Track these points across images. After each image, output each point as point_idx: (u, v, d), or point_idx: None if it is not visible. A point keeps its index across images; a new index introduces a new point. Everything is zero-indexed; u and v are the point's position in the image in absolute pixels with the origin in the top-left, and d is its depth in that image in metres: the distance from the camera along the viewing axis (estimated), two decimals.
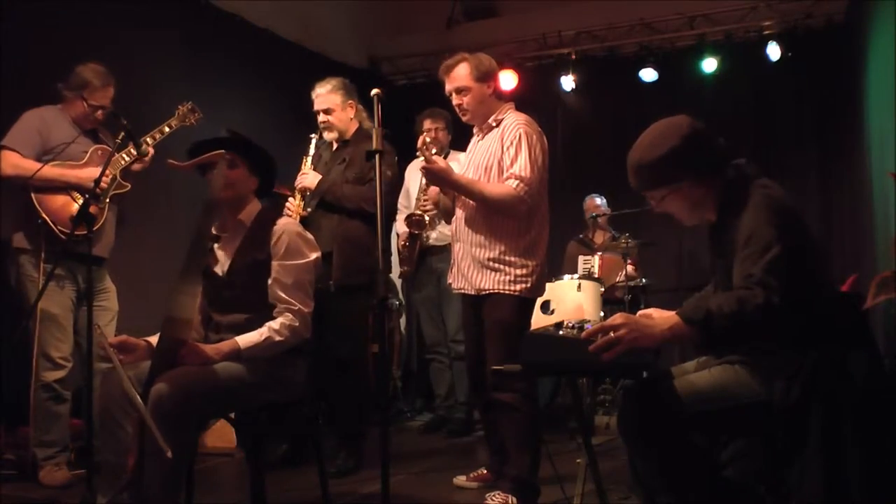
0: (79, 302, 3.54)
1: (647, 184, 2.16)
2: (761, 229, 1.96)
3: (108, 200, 3.54)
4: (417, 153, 3.12)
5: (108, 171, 3.34)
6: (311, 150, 3.86)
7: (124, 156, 3.54)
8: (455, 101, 3.25)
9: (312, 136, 3.88)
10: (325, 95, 3.82)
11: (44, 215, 3.37)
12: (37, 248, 3.41)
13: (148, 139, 3.60)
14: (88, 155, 3.56)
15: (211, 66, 5.08)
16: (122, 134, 3.23)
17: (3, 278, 3.56)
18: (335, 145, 3.91)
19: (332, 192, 3.73)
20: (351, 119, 3.86)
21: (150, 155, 3.59)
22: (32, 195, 3.37)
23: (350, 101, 3.85)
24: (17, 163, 3.36)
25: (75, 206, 3.39)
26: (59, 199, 3.42)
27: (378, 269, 3.84)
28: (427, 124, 4.68)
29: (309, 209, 3.79)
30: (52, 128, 3.48)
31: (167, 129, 3.67)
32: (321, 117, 3.83)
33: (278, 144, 3.94)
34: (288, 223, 2.73)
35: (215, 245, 2.75)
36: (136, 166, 3.61)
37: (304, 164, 3.84)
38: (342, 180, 3.75)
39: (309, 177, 3.79)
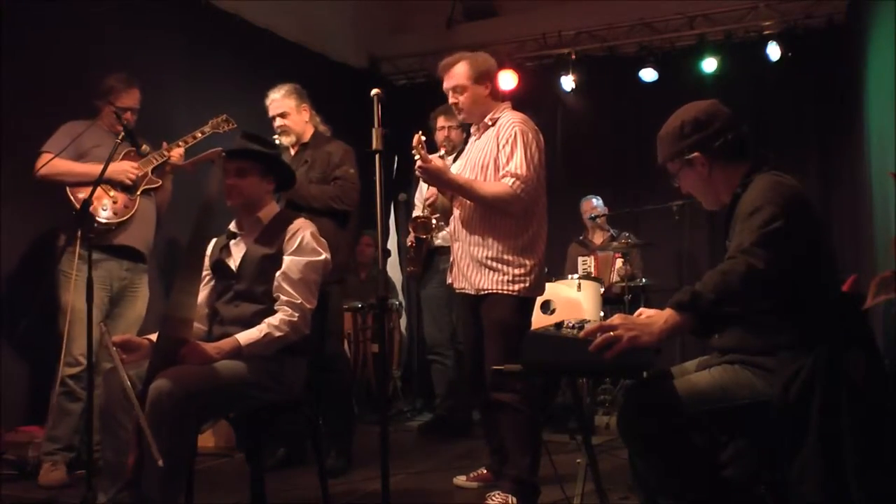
0: (111, 303, 3.71)
1: (662, 156, 2.23)
2: (765, 206, 1.95)
3: (139, 194, 3.71)
4: (413, 152, 3.12)
5: (139, 168, 3.70)
6: None
7: (156, 156, 3.76)
8: (451, 98, 3.26)
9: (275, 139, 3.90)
10: (280, 100, 3.88)
11: (78, 207, 3.51)
12: (72, 243, 3.53)
13: (180, 143, 3.81)
14: (122, 155, 3.72)
15: (211, 66, 5.08)
16: (122, 134, 3.35)
17: (53, 280, 3.61)
18: (293, 150, 3.93)
19: (300, 194, 3.75)
20: (306, 122, 3.93)
21: (173, 156, 3.76)
22: (68, 190, 3.58)
23: (304, 105, 3.91)
24: (52, 162, 3.55)
25: (107, 198, 3.62)
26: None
27: (346, 268, 3.85)
28: (441, 122, 4.64)
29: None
30: (84, 135, 3.64)
31: (199, 136, 3.86)
32: (277, 122, 3.89)
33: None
34: (304, 222, 2.80)
35: (232, 241, 2.83)
36: (168, 166, 3.80)
37: None
38: (307, 181, 3.78)
39: None
